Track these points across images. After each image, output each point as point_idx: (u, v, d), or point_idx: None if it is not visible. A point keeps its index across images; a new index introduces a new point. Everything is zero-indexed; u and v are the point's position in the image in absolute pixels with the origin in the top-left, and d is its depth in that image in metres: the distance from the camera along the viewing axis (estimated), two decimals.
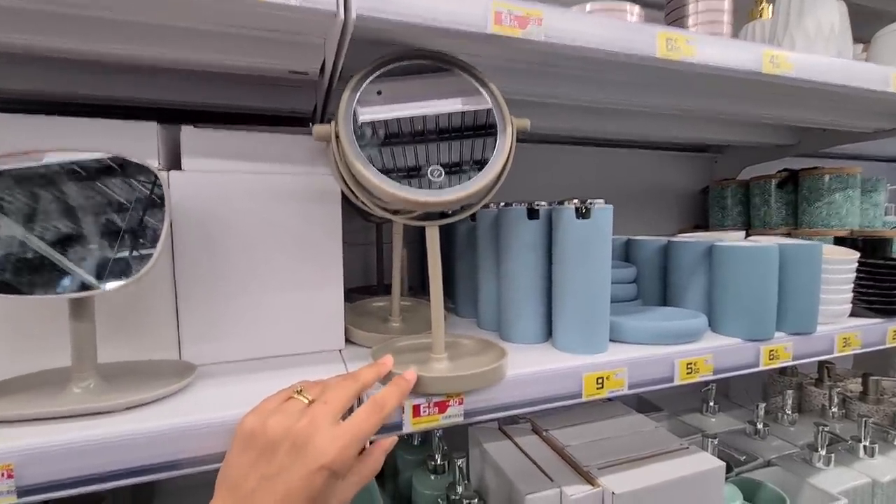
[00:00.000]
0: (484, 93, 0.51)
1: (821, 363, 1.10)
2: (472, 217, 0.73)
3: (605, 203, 0.56)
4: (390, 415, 0.41)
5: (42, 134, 0.46)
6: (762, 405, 0.92)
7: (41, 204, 0.40)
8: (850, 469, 0.81)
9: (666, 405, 1.09)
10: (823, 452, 0.81)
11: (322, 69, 0.58)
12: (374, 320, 0.67)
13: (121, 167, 0.43)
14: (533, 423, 0.73)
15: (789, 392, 0.98)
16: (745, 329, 0.63)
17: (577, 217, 0.55)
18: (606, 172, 1.22)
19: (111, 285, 0.40)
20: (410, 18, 0.43)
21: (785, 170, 1.08)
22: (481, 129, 0.49)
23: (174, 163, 0.52)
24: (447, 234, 0.86)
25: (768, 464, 0.84)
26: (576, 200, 0.56)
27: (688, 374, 0.57)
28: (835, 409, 1.00)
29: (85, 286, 0.39)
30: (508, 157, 0.49)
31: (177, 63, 0.53)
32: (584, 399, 0.52)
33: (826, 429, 0.82)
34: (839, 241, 0.91)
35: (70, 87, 0.61)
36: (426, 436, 0.80)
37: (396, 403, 0.41)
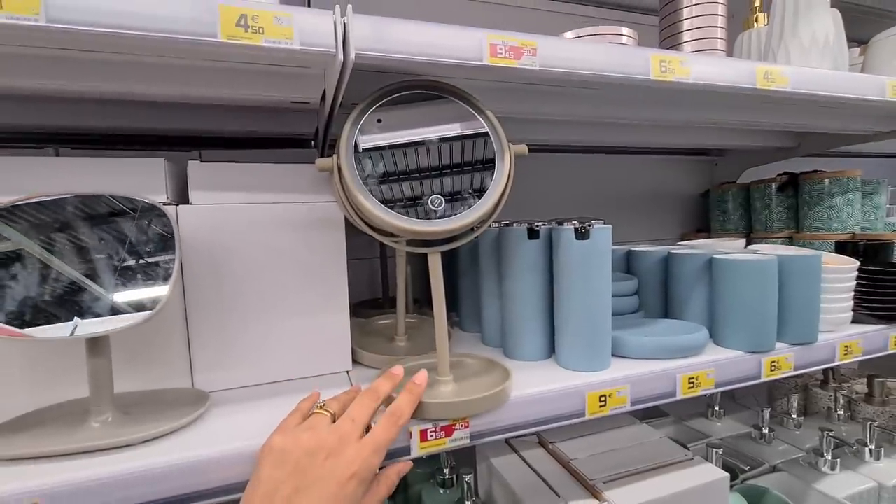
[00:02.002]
0: (481, 120, 0.52)
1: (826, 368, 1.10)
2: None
3: (605, 223, 0.57)
4: (408, 420, 0.44)
5: (52, 173, 0.48)
6: (767, 410, 0.93)
7: (56, 247, 0.41)
8: (855, 473, 0.82)
9: (671, 410, 1.09)
10: (829, 457, 0.81)
11: (323, 97, 0.59)
12: (380, 340, 0.69)
13: (131, 208, 0.44)
14: (539, 435, 0.75)
15: (794, 396, 0.99)
16: (747, 341, 0.63)
17: (577, 238, 0.56)
18: (607, 178, 1.23)
19: (125, 324, 0.42)
20: (407, 55, 0.44)
21: (785, 173, 1.09)
22: (480, 157, 0.50)
23: (182, 196, 0.53)
24: (451, 254, 0.87)
25: (774, 469, 0.84)
26: (575, 221, 0.57)
27: (689, 388, 0.58)
28: (840, 412, 1.00)
29: (100, 323, 0.41)
30: (507, 184, 0.50)
31: (187, 98, 0.54)
32: (587, 417, 0.53)
33: (831, 433, 0.82)
34: (840, 245, 0.92)
35: (79, 119, 0.63)
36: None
37: (411, 410, 0.44)
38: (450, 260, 0.87)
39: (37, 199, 0.42)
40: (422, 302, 1.01)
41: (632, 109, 0.74)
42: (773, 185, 1.09)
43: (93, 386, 0.44)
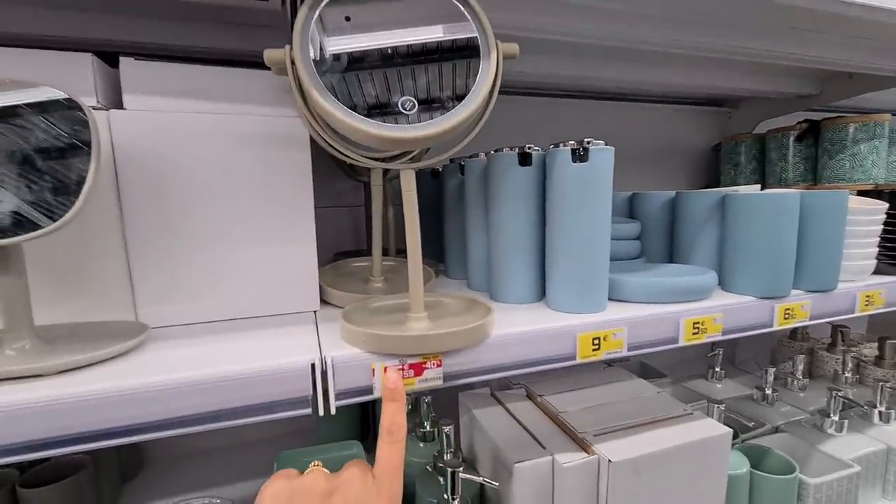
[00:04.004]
0: (467, 14, 0.44)
1: (834, 327, 1.05)
2: (461, 169, 0.67)
3: (606, 144, 0.49)
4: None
5: None
6: (771, 370, 0.88)
7: None
8: (863, 435, 0.77)
9: (670, 372, 1.04)
10: (836, 418, 0.76)
11: None
12: (353, 280, 0.62)
13: (49, 104, 0.37)
14: (527, 388, 0.69)
15: (800, 357, 0.93)
16: (760, 286, 0.57)
17: (574, 160, 0.49)
18: (612, 128, 1.14)
19: (23, 236, 0.35)
20: None
21: (805, 121, 1.00)
22: (462, 53, 0.42)
23: (116, 102, 0.46)
24: (437, 192, 0.80)
25: (776, 430, 0.79)
26: (572, 142, 0.49)
27: (694, 334, 0.52)
28: (848, 375, 0.95)
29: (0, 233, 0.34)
30: (493, 88, 0.42)
31: None
32: (578, 361, 0.47)
33: (840, 393, 0.77)
34: (863, 195, 0.84)
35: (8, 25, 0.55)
36: (415, 403, 0.76)
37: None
38: (435, 203, 0.80)
39: None
40: (405, 254, 0.95)
41: (640, 27, 0.66)
42: (792, 134, 1.01)
43: (4, 309, 0.38)
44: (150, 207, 0.46)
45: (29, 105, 0.36)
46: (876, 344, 1.04)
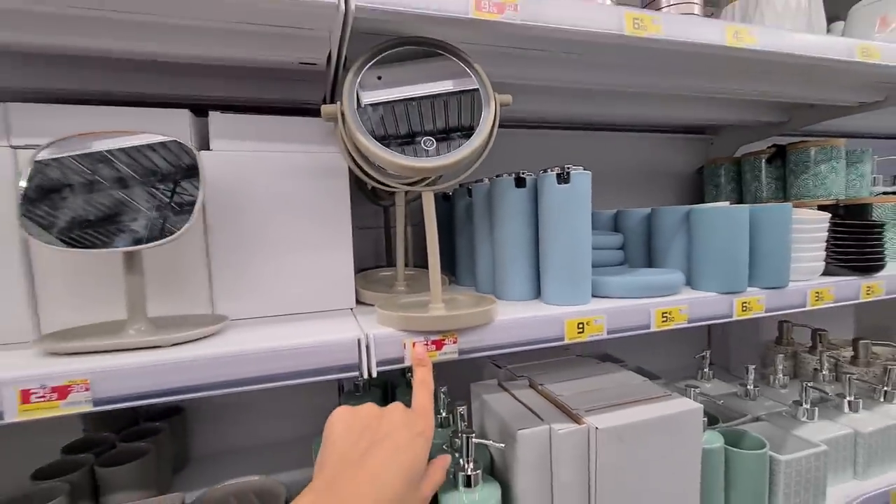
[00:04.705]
0: (470, 73, 0.58)
1: (813, 331, 1.14)
2: (469, 192, 0.80)
3: (585, 169, 0.62)
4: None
5: (95, 121, 0.54)
6: (752, 367, 0.97)
7: (101, 175, 0.48)
8: (833, 422, 0.86)
9: (663, 374, 1.13)
10: (807, 406, 0.85)
11: (329, 60, 0.65)
12: (381, 285, 0.75)
13: (165, 146, 0.51)
14: (530, 379, 0.80)
15: (780, 357, 1.03)
16: (720, 283, 0.68)
17: (559, 182, 0.62)
18: (605, 157, 1.27)
19: (156, 242, 0.48)
20: (402, 7, 0.50)
21: (774, 145, 1.13)
22: (468, 104, 0.56)
23: (204, 145, 0.60)
24: (448, 213, 0.93)
25: (756, 420, 0.88)
26: (557, 168, 0.62)
27: (663, 321, 0.63)
28: (825, 373, 1.04)
29: (136, 241, 0.47)
30: (492, 129, 0.56)
31: (202, 58, 0.61)
32: (566, 342, 0.58)
33: (810, 384, 0.86)
34: (822, 208, 0.96)
35: (107, 85, 0.70)
36: (433, 394, 0.86)
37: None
38: (447, 224, 0.93)
39: (85, 139, 0.49)
40: (421, 267, 1.08)
41: (619, 75, 0.80)
42: (763, 157, 1.13)
43: (129, 301, 0.50)
44: (226, 225, 0.60)
45: (153, 146, 0.50)
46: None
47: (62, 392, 0.40)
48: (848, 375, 0.89)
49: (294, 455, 0.95)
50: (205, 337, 0.51)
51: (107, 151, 0.49)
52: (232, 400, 1.00)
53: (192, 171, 0.51)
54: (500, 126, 0.57)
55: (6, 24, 0.49)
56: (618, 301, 0.64)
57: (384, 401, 0.99)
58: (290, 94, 0.79)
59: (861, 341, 1.04)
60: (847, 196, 1.04)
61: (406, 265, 0.89)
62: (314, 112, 0.87)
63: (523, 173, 0.66)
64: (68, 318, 0.54)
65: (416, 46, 0.58)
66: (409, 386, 0.94)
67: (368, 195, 0.95)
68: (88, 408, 0.41)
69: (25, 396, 0.40)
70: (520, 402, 0.72)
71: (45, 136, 0.49)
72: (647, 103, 1.06)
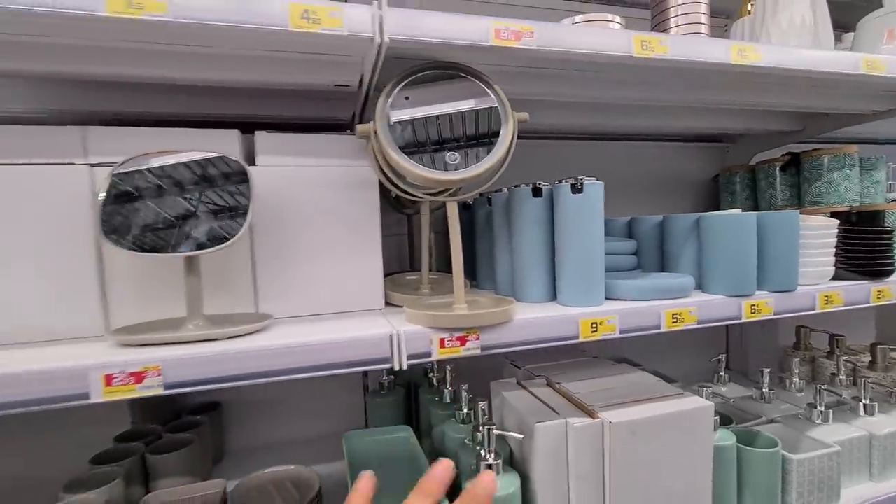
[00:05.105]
0: (490, 93, 0.63)
1: (831, 336, 1.15)
2: (489, 201, 0.85)
3: (598, 180, 0.67)
4: None
5: (158, 141, 0.61)
6: (767, 371, 0.99)
7: (166, 188, 0.55)
8: (848, 425, 0.87)
9: (682, 380, 1.16)
10: (822, 409, 0.87)
11: (360, 82, 0.71)
12: (407, 288, 0.80)
13: (221, 162, 0.57)
14: (547, 378, 0.84)
15: (796, 361, 1.04)
16: (729, 287, 0.72)
17: (573, 192, 0.66)
18: (621, 166, 1.31)
19: (213, 248, 0.55)
20: (429, 38, 0.56)
21: (788, 153, 1.15)
22: (489, 123, 0.61)
23: (250, 160, 0.67)
24: (468, 221, 0.98)
25: (771, 422, 0.90)
26: (571, 178, 0.67)
27: (673, 322, 0.67)
28: (842, 377, 1.05)
29: (198, 247, 0.54)
30: (511, 144, 0.61)
31: (249, 83, 0.68)
32: (580, 340, 0.62)
33: (824, 387, 0.88)
34: (835, 214, 0.98)
35: (166, 107, 0.77)
36: (456, 394, 0.91)
37: None
38: (468, 232, 0.98)
39: (152, 156, 0.56)
40: (442, 272, 1.13)
41: (634, 90, 0.84)
42: (777, 165, 1.15)
43: (188, 299, 0.57)
44: (269, 232, 0.66)
45: (211, 162, 0.57)
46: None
47: (138, 377, 0.47)
48: (864, 379, 0.90)
49: (323, 450, 1.01)
50: (254, 332, 0.57)
51: (171, 166, 0.56)
52: (264, 397, 1.06)
53: (243, 185, 0.57)
54: (518, 138, 0.62)
55: (89, 59, 0.57)
56: (630, 303, 0.68)
57: (408, 399, 1.04)
58: (321, 112, 0.86)
59: (879, 346, 1.05)
60: (862, 203, 1.06)
61: (429, 269, 0.95)
62: (342, 127, 0.95)
63: (540, 184, 0.71)
64: (133, 315, 0.61)
65: (441, 70, 0.64)
66: (431, 386, 0.98)
67: (393, 204, 1.01)
68: (160, 391, 0.48)
69: (108, 380, 0.46)
70: (537, 398, 0.76)
71: (117, 155, 0.56)
72: (662, 115, 1.10)
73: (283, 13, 0.50)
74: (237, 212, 0.56)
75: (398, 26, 0.54)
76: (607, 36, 0.61)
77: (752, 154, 1.37)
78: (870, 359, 1.09)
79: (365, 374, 1.14)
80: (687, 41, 0.66)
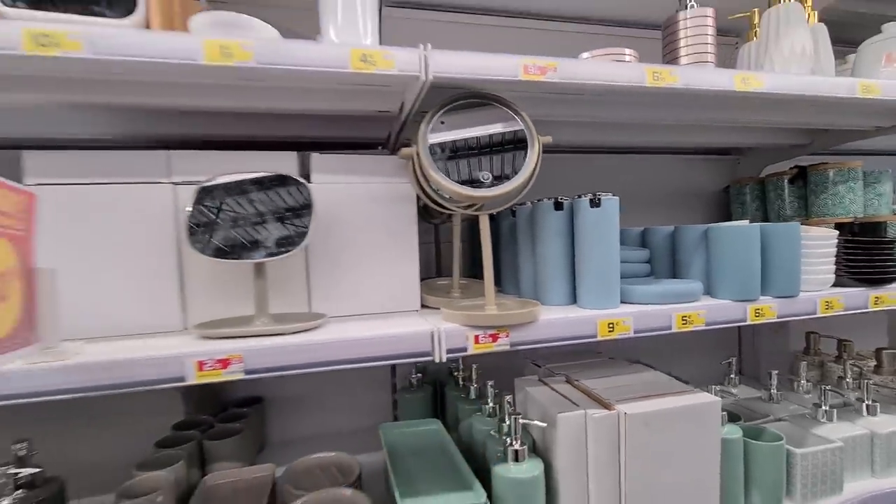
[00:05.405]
0: (518, 119, 0.72)
1: (839, 342, 1.20)
2: (513, 213, 0.93)
3: (613, 195, 0.74)
4: None
5: (231, 161, 0.71)
6: (775, 373, 1.05)
7: (241, 202, 0.64)
8: (852, 424, 0.93)
9: (693, 382, 1.21)
10: (826, 408, 0.93)
11: (401, 108, 0.80)
12: (440, 292, 0.88)
13: (286, 180, 0.67)
14: (567, 376, 0.91)
15: (803, 364, 1.10)
16: (735, 292, 0.78)
17: (591, 206, 0.74)
18: (637, 178, 1.38)
19: (281, 255, 0.64)
20: (467, 75, 0.65)
21: (796, 167, 1.21)
22: (517, 145, 0.70)
23: (305, 178, 0.76)
24: (495, 232, 1.06)
25: (778, 420, 0.96)
26: (590, 194, 0.75)
27: (683, 324, 0.74)
28: (849, 380, 1.10)
29: (269, 254, 0.63)
30: (536, 164, 0.69)
31: (305, 111, 0.77)
32: (598, 338, 0.70)
33: (828, 388, 0.94)
34: (839, 225, 1.04)
35: (226, 130, 0.87)
36: (481, 390, 0.99)
37: None
38: (494, 241, 1.06)
39: (227, 177, 0.65)
40: (471, 277, 1.21)
41: (648, 111, 0.92)
42: (786, 178, 1.21)
43: (257, 299, 0.66)
44: (321, 241, 0.75)
45: (278, 179, 0.66)
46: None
47: (225, 363, 0.56)
48: (867, 381, 0.95)
49: (354, 442, 1.09)
50: (314, 328, 0.66)
51: (245, 184, 0.65)
52: (301, 393, 1.15)
53: (305, 200, 0.66)
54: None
55: (178, 94, 0.67)
56: (643, 306, 0.75)
57: (434, 397, 1.12)
58: (360, 132, 0.95)
59: (885, 351, 1.10)
60: (866, 214, 1.11)
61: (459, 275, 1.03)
62: (375, 145, 1.04)
63: (561, 198, 0.78)
64: (206, 312, 0.71)
65: (474, 99, 0.72)
66: (457, 384, 1.06)
67: (422, 215, 1.10)
68: (241, 376, 0.56)
69: (201, 366, 0.55)
70: (558, 393, 0.84)
71: (196, 175, 0.66)
72: (674, 132, 1.17)
73: (345, 57, 0.59)
74: (300, 224, 0.65)
75: (441, 65, 0.63)
76: (622, 68, 0.69)
77: (763, 166, 1.43)
78: (875, 363, 1.14)
79: (393, 373, 1.22)
80: (694, 71, 0.73)
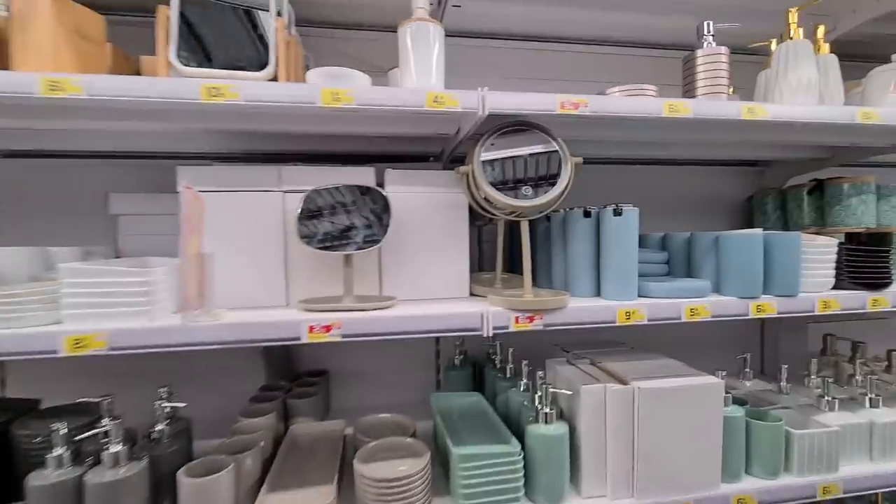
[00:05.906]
0: (554, 142, 0.88)
1: (853, 343, 1.29)
2: (548, 218, 1.09)
3: (634, 206, 0.89)
4: None
5: (325, 173, 0.90)
6: (785, 367, 1.16)
7: (337, 206, 0.84)
8: (853, 414, 1.03)
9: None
10: (829, 399, 1.03)
11: (458, 131, 0.98)
12: (484, 284, 1.06)
13: (370, 189, 0.86)
14: (592, 359, 1.06)
15: (814, 361, 1.20)
16: (739, 290, 0.92)
17: (614, 215, 0.89)
18: (666, 185, 1.50)
19: (366, 249, 0.82)
20: (514, 109, 0.81)
21: (814, 179, 1.31)
22: (553, 164, 0.86)
23: (380, 186, 0.95)
24: (531, 235, 1.22)
25: (783, 408, 1.07)
26: (613, 205, 0.90)
27: (692, 314, 0.88)
28: (859, 378, 1.19)
29: (358, 248, 0.82)
30: (569, 180, 0.85)
31: (383, 133, 0.96)
32: (617, 324, 0.85)
33: (830, 379, 1.04)
34: (848, 235, 1.14)
35: (316, 146, 1.08)
36: (517, 368, 1.15)
37: None
38: (530, 241, 1.22)
39: (326, 187, 0.85)
40: (510, 272, 1.37)
41: (671, 132, 1.06)
42: (804, 189, 1.31)
43: (346, 283, 0.85)
44: (391, 238, 0.93)
45: (367, 188, 0.85)
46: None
47: (328, 328, 0.75)
48: (870, 377, 1.05)
49: (406, 413, 1.27)
50: (389, 307, 0.84)
51: (338, 192, 0.84)
52: (359, 369, 1.34)
53: (385, 206, 0.85)
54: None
55: (290, 122, 0.87)
56: (657, 300, 0.89)
57: (474, 377, 1.29)
58: (417, 148, 1.14)
59: (894, 352, 1.18)
60: (879, 224, 1.20)
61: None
62: (425, 158, 1.22)
63: (589, 208, 0.94)
64: (304, 292, 0.90)
65: (518, 126, 0.89)
66: (494, 365, 1.22)
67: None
68: (339, 339, 0.75)
69: (311, 329, 0.74)
70: (583, 371, 0.99)
71: (299, 185, 0.86)
72: (698, 147, 1.30)
73: (422, 99, 0.77)
74: (382, 224, 0.84)
75: (494, 103, 0.80)
76: (644, 102, 0.84)
77: (787, 177, 1.52)
78: (887, 363, 1.22)
79: (437, 355, 1.40)
80: (706, 104, 0.87)
